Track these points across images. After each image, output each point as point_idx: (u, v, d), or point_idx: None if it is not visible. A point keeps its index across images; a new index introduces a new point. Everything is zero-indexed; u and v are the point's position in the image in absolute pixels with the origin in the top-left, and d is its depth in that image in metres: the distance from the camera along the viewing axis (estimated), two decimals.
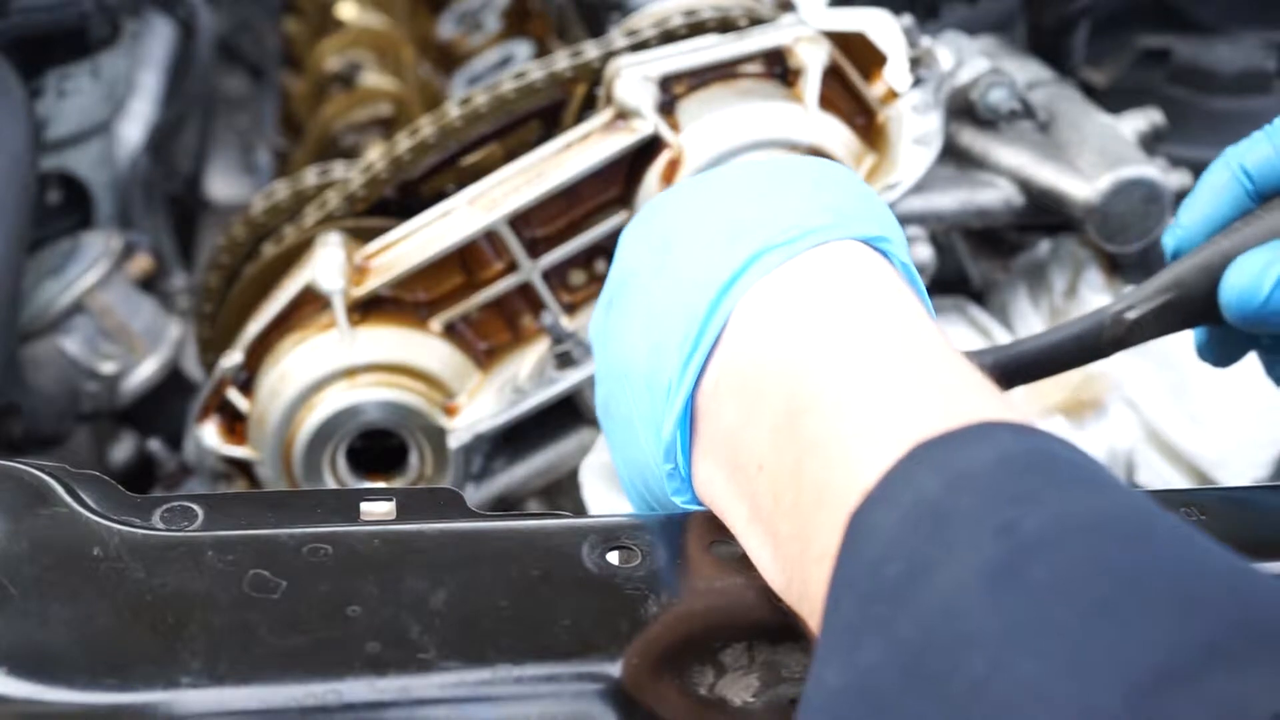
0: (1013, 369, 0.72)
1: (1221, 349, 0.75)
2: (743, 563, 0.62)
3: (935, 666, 0.45)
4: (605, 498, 0.97)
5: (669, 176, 0.97)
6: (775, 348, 0.60)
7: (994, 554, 0.46)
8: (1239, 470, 1.06)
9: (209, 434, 1.01)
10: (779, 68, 1.01)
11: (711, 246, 0.65)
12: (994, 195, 1.11)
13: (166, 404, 1.22)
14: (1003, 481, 0.49)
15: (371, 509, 0.65)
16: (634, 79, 0.98)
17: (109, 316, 1.19)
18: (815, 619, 0.53)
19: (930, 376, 0.55)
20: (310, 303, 0.99)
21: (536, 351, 1.00)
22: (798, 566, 0.55)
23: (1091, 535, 0.46)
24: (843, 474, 0.53)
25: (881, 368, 0.56)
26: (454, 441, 0.99)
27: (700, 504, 0.66)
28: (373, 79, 1.50)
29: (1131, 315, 0.72)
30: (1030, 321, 1.14)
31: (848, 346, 0.58)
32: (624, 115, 0.98)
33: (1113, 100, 1.23)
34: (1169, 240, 0.74)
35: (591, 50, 1.03)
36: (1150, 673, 0.41)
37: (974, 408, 0.53)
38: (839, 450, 0.54)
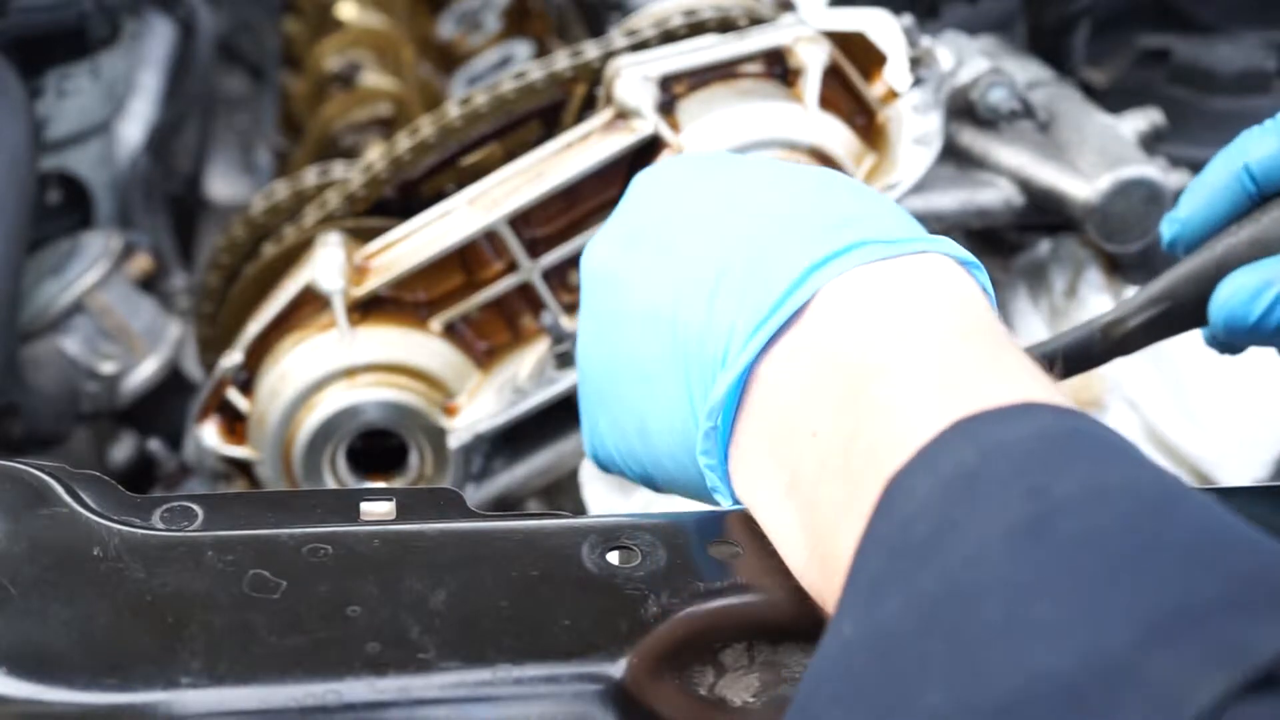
0: None
1: (1226, 340, 0.76)
2: (742, 563, 0.62)
3: (951, 614, 0.46)
4: (605, 498, 0.97)
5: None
6: (860, 331, 0.60)
7: (1022, 513, 0.47)
8: (1239, 470, 1.07)
9: (209, 434, 1.01)
10: (779, 68, 1.01)
11: (802, 223, 0.65)
12: (994, 195, 1.11)
13: (166, 404, 1.22)
14: (1038, 452, 0.50)
15: (371, 509, 0.65)
16: (634, 79, 0.98)
17: (109, 316, 1.19)
18: (836, 580, 0.54)
19: (988, 361, 0.56)
20: (310, 303, 0.99)
21: (536, 351, 1.00)
22: (829, 530, 0.56)
23: (1120, 499, 0.47)
24: (890, 441, 0.54)
25: (944, 350, 0.57)
26: (454, 441, 0.99)
27: (722, 468, 0.65)
28: (372, 79, 1.50)
29: (1123, 327, 0.73)
30: (1030, 321, 1.14)
31: (923, 334, 0.59)
32: (624, 115, 0.98)
33: (1113, 100, 1.23)
34: (1166, 230, 0.75)
35: (591, 50, 1.03)
36: (1160, 616, 0.43)
37: (1022, 390, 0.54)
38: (891, 419, 0.55)
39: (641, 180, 0.75)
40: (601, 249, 0.75)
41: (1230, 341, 0.72)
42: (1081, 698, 0.42)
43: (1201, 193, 0.73)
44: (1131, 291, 1.12)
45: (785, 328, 0.63)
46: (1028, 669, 0.43)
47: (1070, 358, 0.74)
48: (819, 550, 0.57)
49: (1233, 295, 0.70)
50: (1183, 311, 0.72)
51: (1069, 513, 0.47)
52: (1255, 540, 0.46)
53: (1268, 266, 0.70)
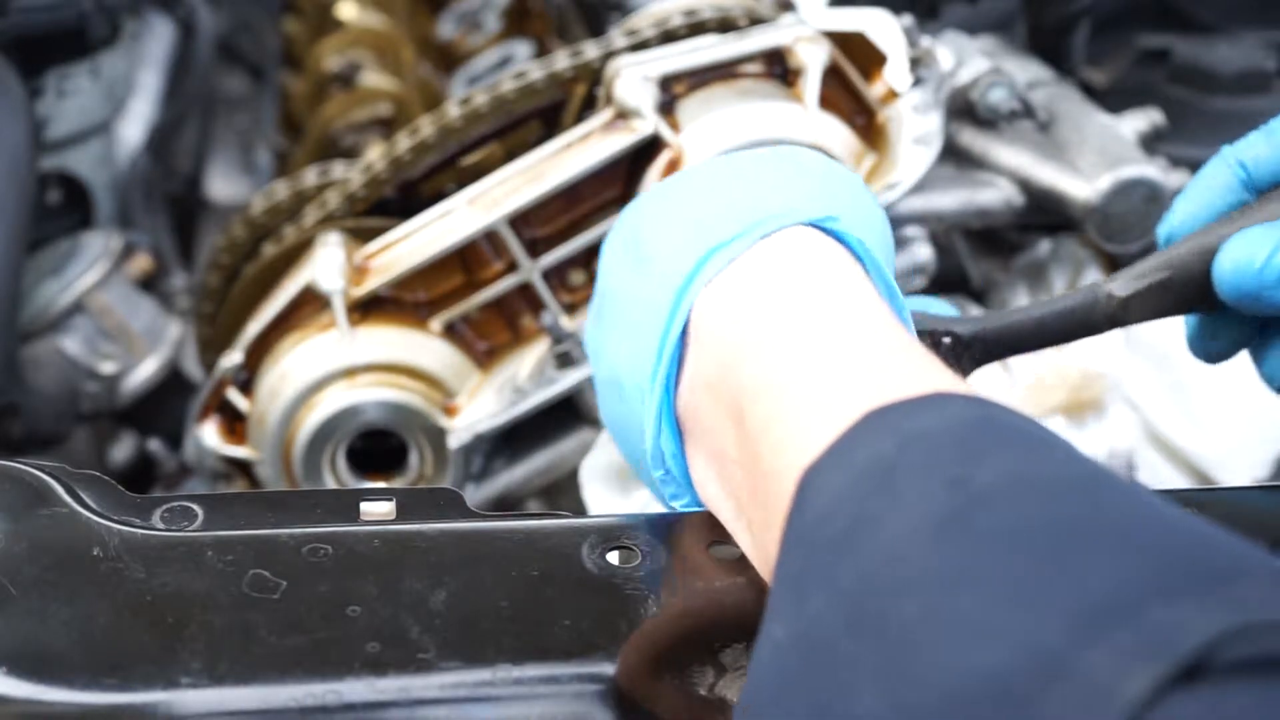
0: (1002, 339, 0.72)
1: (1213, 343, 0.75)
2: (742, 563, 0.62)
3: (873, 611, 0.45)
4: (605, 498, 0.97)
5: (668, 176, 0.97)
6: (731, 341, 0.61)
7: (942, 505, 0.46)
8: (1239, 470, 1.06)
9: (209, 434, 1.01)
10: (779, 68, 1.01)
11: (673, 247, 0.66)
12: (994, 195, 1.11)
13: (166, 404, 1.22)
14: (956, 441, 0.49)
15: (371, 509, 0.65)
16: (634, 79, 0.98)
17: (109, 316, 1.19)
18: None
19: (877, 351, 0.56)
20: (310, 303, 0.99)
21: (536, 351, 1.00)
22: (768, 551, 0.56)
23: (1042, 489, 0.47)
24: (792, 449, 0.53)
25: (826, 346, 0.57)
26: (454, 441, 0.99)
27: (700, 505, 0.66)
28: (372, 79, 1.50)
29: (1125, 291, 0.71)
30: None
31: (792, 332, 0.58)
32: (624, 115, 0.98)
33: (1113, 100, 1.23)
34: (1163, 230, 0.74)
35: (591, 50, 1.03)
36: (1091, 605, 0.42)
37: (925, 379, 0.53)
38: (786, 429, 0.54)
39: (603, 245, 0.77)
40: (587, 324, 0.77)
41: (1237, 303, 0.69)
42: (1013, 694, 0.41)
43: (1196, 195, 0.73)
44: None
45: (684, 360, 0.64)
46: (957, 667, 0.42)
47: (1071, 320, 0.72)
48: (764, 567, 0.57)
49: (1239, 247, 0.68)
50: (1186, 283, 0.70)
51: (991, 504, 0.46)
52: (1182, 523, 0.45)
53: (1274, 226, 0.68)
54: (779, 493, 0.53)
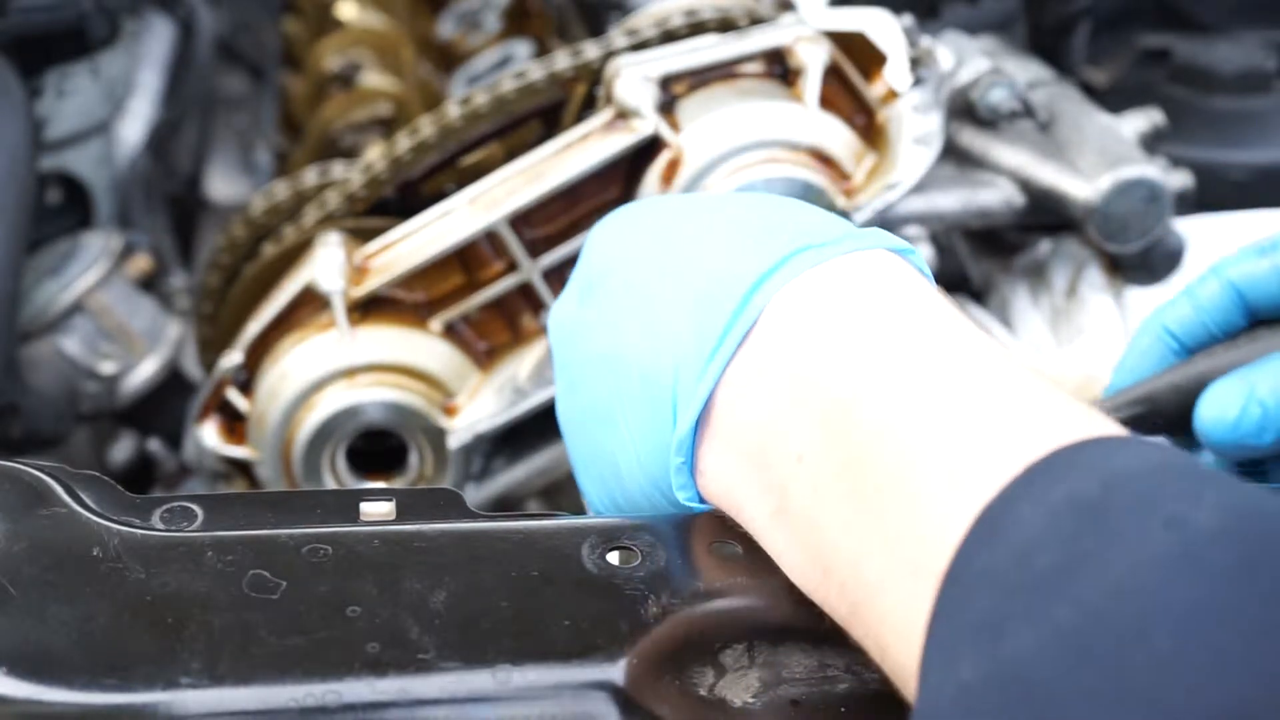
0: None
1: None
2: (743, 563, 0.62)
3: (1104, 647, 0.45)
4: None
5: (669, 176, 0.97)
6: (826, 341, 0.60)
7: (1168, 543, 0.46)
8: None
9: (208, 434, 1.01)
10: (779, 67, 1.01)
11: (737, 243, 0.65)
12: (994, 195, 1.11)
13: (166, 404, 1.22)
14: (1162, 482, 0.49)
15: (371, 509, 0.65)
16: (634, 79, 0.98)
17: (108, 316, 1.19)
18: (869, 609, 0.54)
19: (1033, 387, 0.55)
20: (310, 303, 0.99)
21: (536, 351, 1.00)
22: (844, 554, 0.55)
23: (1265, 526, 0.47)
24: (959, 480, 0.52)
25: (971, 373, 0.56)
26: (454, 441, 0.99)
27: (700, 500, 0.66)
28: (372, 79, 1.50)
29: None
30: (1030, 322, 1.14)
31: (910, 343, 0.58)
32: (624, 115, 0.98)
33: (1113, 100, 1.23)
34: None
35: (591, 50, 1.03)
36: None
37: (1092, 421, 0.53)
38: (946, 457, 0.53)
39: (592, 233, 0.77)
40: (561, 307, 0.76)
41: (1220, 453, 0.71)
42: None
43: (1129, 362, 0.75)
44: (1131, 291, 1.12)
45: (739, 350, 0.63)
46: (1221, 696, 0.42)
47: None
48: (833, 574, 0.57)
49: (1214, 405, 0.70)
50: (1163, 415, 0.73)
51: (1216, 542, 0.46)
52: None
53: (1248, 373, 0.70)
54: (930, 519, 0.52)
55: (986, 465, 0.51)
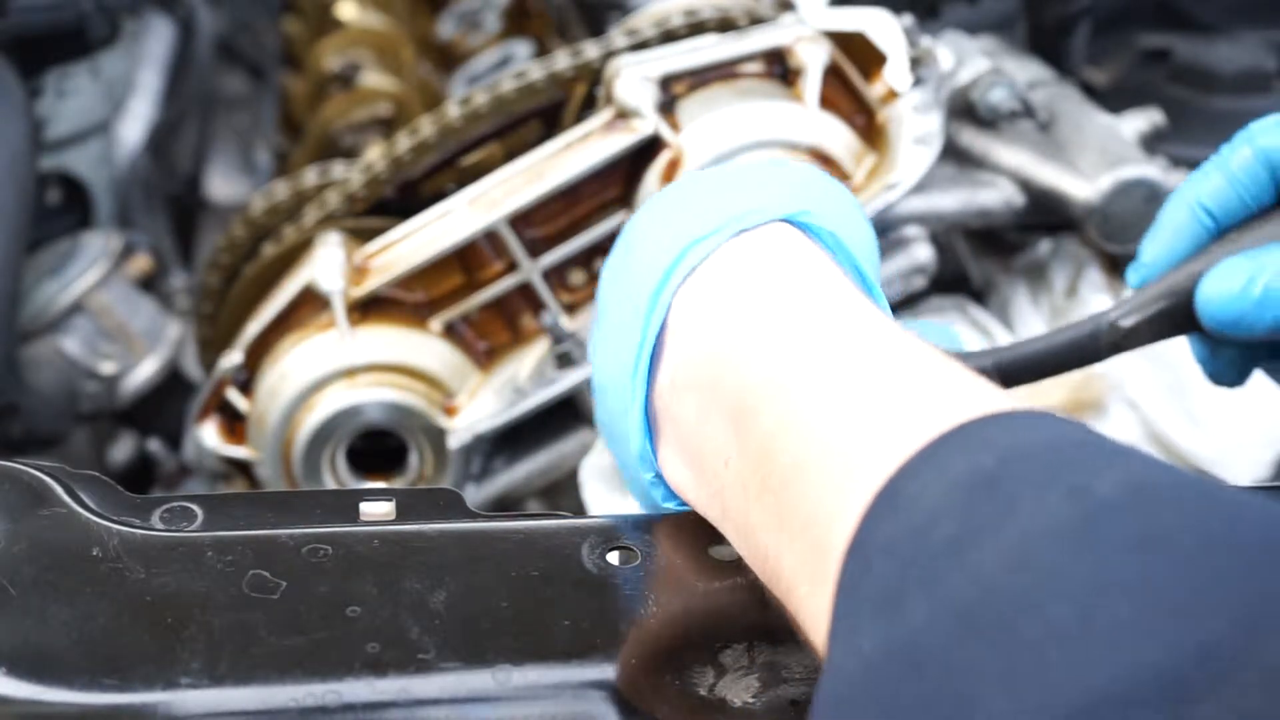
0: (1009, 371, 0.73)
1: (1223, 366, 0.76)
2: (742, 563, 0.62)
3: (998, 618, 0.44)
4: (605, 498, 0.97)
5: (669, 176, 0.97)
6: (716, 338, 0.61)
7: (1066, 513, 0.46)
8: (1239, 470, 1.06)
9: (208, 434, 1.01)
10: (779, 67, 1.01)
11: (652, 249, 0.66)
12: (994, 195, 1.11)
13: (166, 404, 1.22)
14: (1063, 453, 0.49)
15: (371, 509, 0.65)
16: (634, 79, 0.98)
17: (108, 316, 1.19)
18: (795, 598, 0.54)
19: (929, 366, 0.55)
20: (310, 303, 0.99)
21: (536, 351, 1.00)
22: (769, 551, 0.56)
23: (1164, 497, 0.46)
24: (854, 460, 0.52)
25: (844, 350, 0.56)
26: (454, 442, 0.99)
27: (675, 504, 0.66)
28: (372, 79, 1.50)
29: (1127, 322, 0.73)
30: (1030, 321, 1.14)
31: (798, 333, 0.58)
32: (624, 115, 0.98)
33: (1113, 100, 1.23)
34: (1133, 277, 0.75)
35: (591, 50, 1.03)
36: (1258, 603, 0.42)
37: (988, 396, 0.53)
38: (840, 440, 0.53)
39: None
40: (592, 329, 0.77)
41: (1220, 333, 0.71)
42: (1182, 689, 0.40)
43: (1162, 235, 0.73)
44: (1131, 292, 1.12)
45: (660, 359, 0.63)
46: (1116, 665, 0.41)
47: (1075, 352, 0.74)
48: (766, 571, 0.57)
49: (1219, 280, 0.70)
50: (1185, 308, 0.72)
51: (1118, 512, 0.45)
52: None
53: (1258, 255, 0.70)
54: (831, 502, 0.52)
55: (885, 444, 0.51)
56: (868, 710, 0.46)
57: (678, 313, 0.63)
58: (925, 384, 0.54)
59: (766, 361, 0.58)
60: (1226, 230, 0.72)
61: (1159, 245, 0.74)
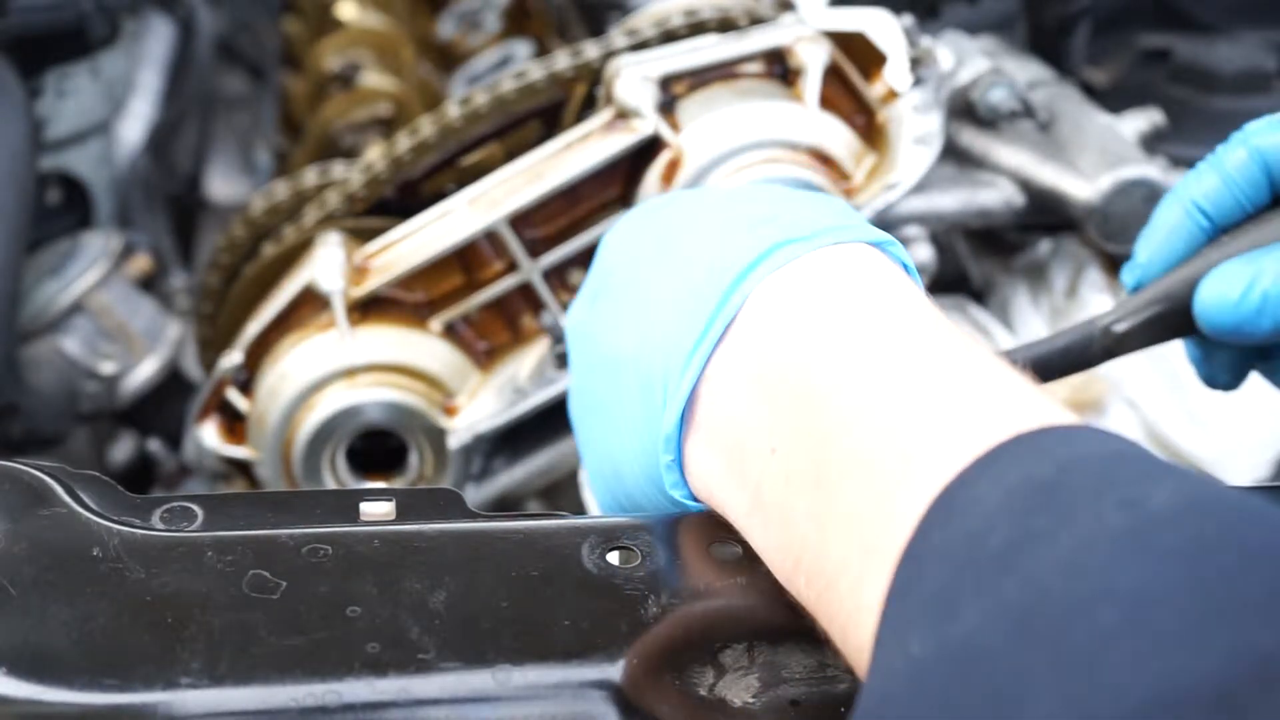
0: None
1: (1218, 369, 0.76)
2: (743, 563, 0.62)
3: (1050, 623, 0.45)
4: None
5: (669, 176, 0.97)
6: (798, 335, 0.60)
7: (1119, 523, 0.46)
8: (1239, 470, 1.06)
9: (208, 434, 1.01)
10: (779, 67, 1.01)
11: (723, 240, 0.66)
12: (994, 195, 1.11)
13: (166, 404, 1.22)
14: (1117, 468, 0.49)
15: (371, 509, 0.65)
16: (634, 79, 0.98)
17: (108, 316, 1.19)
18: (832, 592, 0.54)
19: (999, 376, 0.56)
20: (310, 303, 0.99)
21: (536, 351, 1.00)
22: (810, 542, 0.56)
23: (1214, 511, 0.47)
24: (919, 463, 0.52)
25: (935, 360, 0.57)
26: (454, 442, 0.99)
27: (693, 497, 0.66)
28: (372, 79, 1.50)
29: (1121, 327, 0.73)
30: (1030, 321, 1.14)
31: (890, 340, 0.59)
32: (624, 115, 0.98)
33: (1113, 100, 1.23)
34: (1128, 276, 0.75)
35: (591, 50, 1.03)
36: None
37: (1056, 410, 0.53)
38: (909, 442, 0.53)
39: (604, 236, 0.77)
40: (576, 309, 0.77)
41: (1217, 338, 0.71)
42: (1234, 696, 0.41)
43: (1157, 235, 0.73)
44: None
45: (719, 346, 0.63)
46: (1162, 672, 0.42)
47: (1069, 357, 0.74)
48: (802, 563, 0.57)
49: (1216, 284, 0.70)
50: (1179, 313, 0.72)
51: (1170, 524, 0.46)
52: None
53: (1256, 259, 0.70)
54: (887, 501, 0.52)
55: (946, 450, 0.52)
56: (915, 710, 0.47)
57: (755, 305, 0.63)
58: (989, 392, 0.54)
59: (841, 358, 0.58)
60: (1222, 231, 0.72)
61: (1154, 246, 0.74)
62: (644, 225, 0.72)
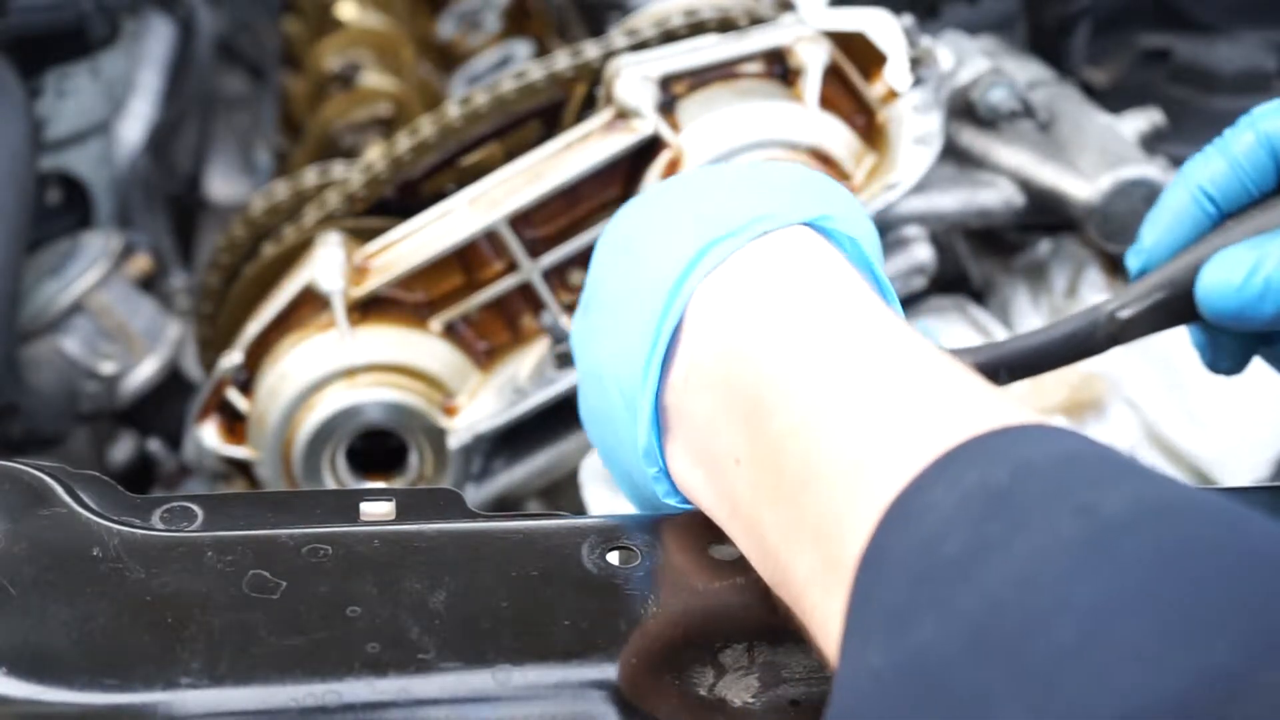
0: (1006, 366, 0.73)
1: (1222, 355, 0.75)
2: (742, 563, 0.62)
3: (1006, 637, 0.44)
4: (605, 498, 0.97)
5: (669, 176, 0.97)
6: (735, 337, 0.60)
7: (1075, 531, 0.45)
8: (1239, 470, 1.06)
9: (208, 434, 1.01)
10: (779, 67, 1.01)
11: (666, 244, 0.65)
12: (994, 195, 1.11)
13: (166, 404, 1.22)
14: (1071, 470, 0.48)
15: (371, 509, 0.65)
16: (634, 79, 0.98)
17: (108, 316, 1.19)
18: (804, 604, 0.53)
19: (940, 373, 0.55)
20: (310, 303, 0.99)
21: (536, 351, 1.00)
22: (779, 553, 0.55)
23: (1173, 517, 0.46)
24: (869, 469, 0.52)
25: (865, 357, 0.56)
26: (454, 442, 0.99)
27: (687, 502, 0.66)
28: (372, 79, 1.50)
29: (1125, 313, 0.72)
30: (1030, 321, 1.14)
31: (818, 336, 0.58)
32: (624, 115, 0.98)
33: (1113, 100, 1.23)
34: (1132, 261, 0.74)
35: (591, 50, 1.03)
36: (1263, 628, 0.41)
37: (1004, 408, 0.52)
38: (856, 447, 0.53)
39: (598, 241, 0.76)
40: (575, 317, 0.76)
41: (1219, 324, 0.70)
42: (1192, 710, 0.40)
43: (1162, 220, 0.73)
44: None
45: (675, 354, 0.63)
46: (1121, 690, 0.41)
47: (1073, 344, 0.73)
48: (776, 574, 0.57)
49: (1218, 269, 0.69)
50: (1183, 298, 0.71)
51: (1127, 530, 0.45)
52: None
53: (1260, 244, 0.69)
54: (844, 510, 0.52)
55: (897, 456, 0.51)
56: None
57: (696, 310, 0.62)
58: (941, 394, 0.53)
59: (785, 362, 0.58)
60: (1227, 216, 0.72)
61: (1159, 230, 0.73)
62: (616, 230, 0.72)
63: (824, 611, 0.52)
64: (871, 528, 0.50)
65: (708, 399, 0.61)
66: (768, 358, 0.58)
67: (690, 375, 0.62)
